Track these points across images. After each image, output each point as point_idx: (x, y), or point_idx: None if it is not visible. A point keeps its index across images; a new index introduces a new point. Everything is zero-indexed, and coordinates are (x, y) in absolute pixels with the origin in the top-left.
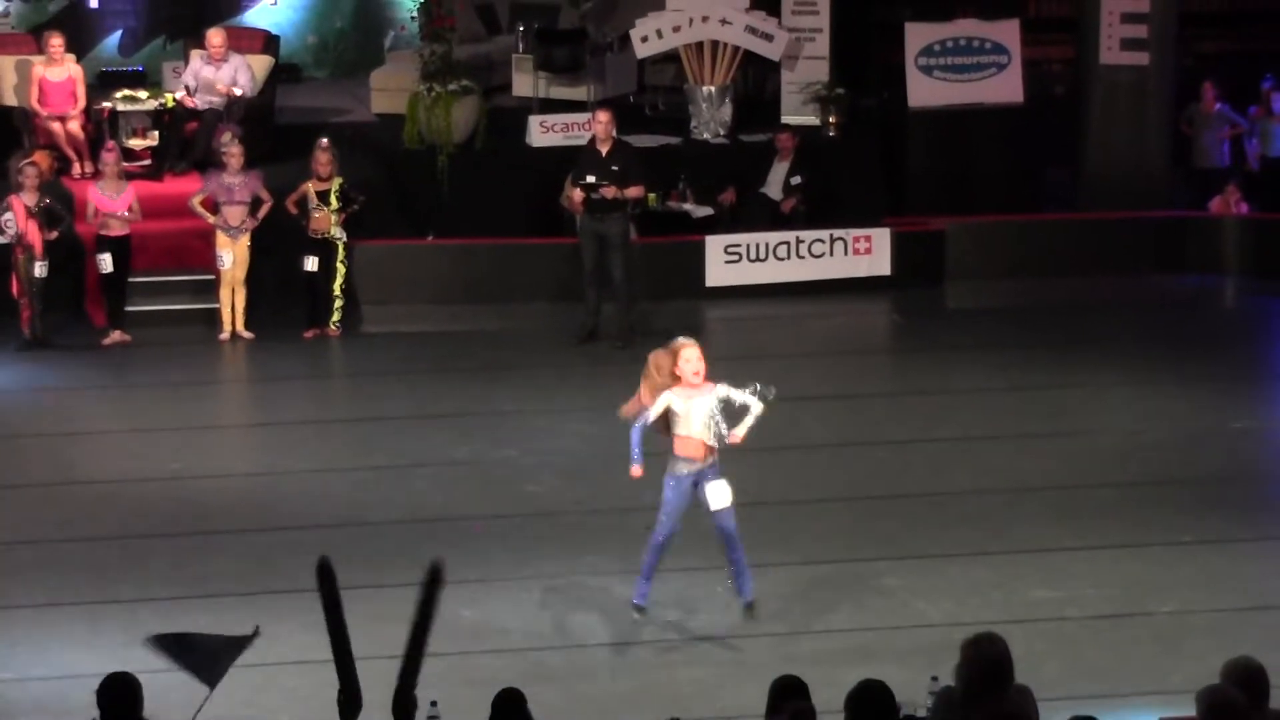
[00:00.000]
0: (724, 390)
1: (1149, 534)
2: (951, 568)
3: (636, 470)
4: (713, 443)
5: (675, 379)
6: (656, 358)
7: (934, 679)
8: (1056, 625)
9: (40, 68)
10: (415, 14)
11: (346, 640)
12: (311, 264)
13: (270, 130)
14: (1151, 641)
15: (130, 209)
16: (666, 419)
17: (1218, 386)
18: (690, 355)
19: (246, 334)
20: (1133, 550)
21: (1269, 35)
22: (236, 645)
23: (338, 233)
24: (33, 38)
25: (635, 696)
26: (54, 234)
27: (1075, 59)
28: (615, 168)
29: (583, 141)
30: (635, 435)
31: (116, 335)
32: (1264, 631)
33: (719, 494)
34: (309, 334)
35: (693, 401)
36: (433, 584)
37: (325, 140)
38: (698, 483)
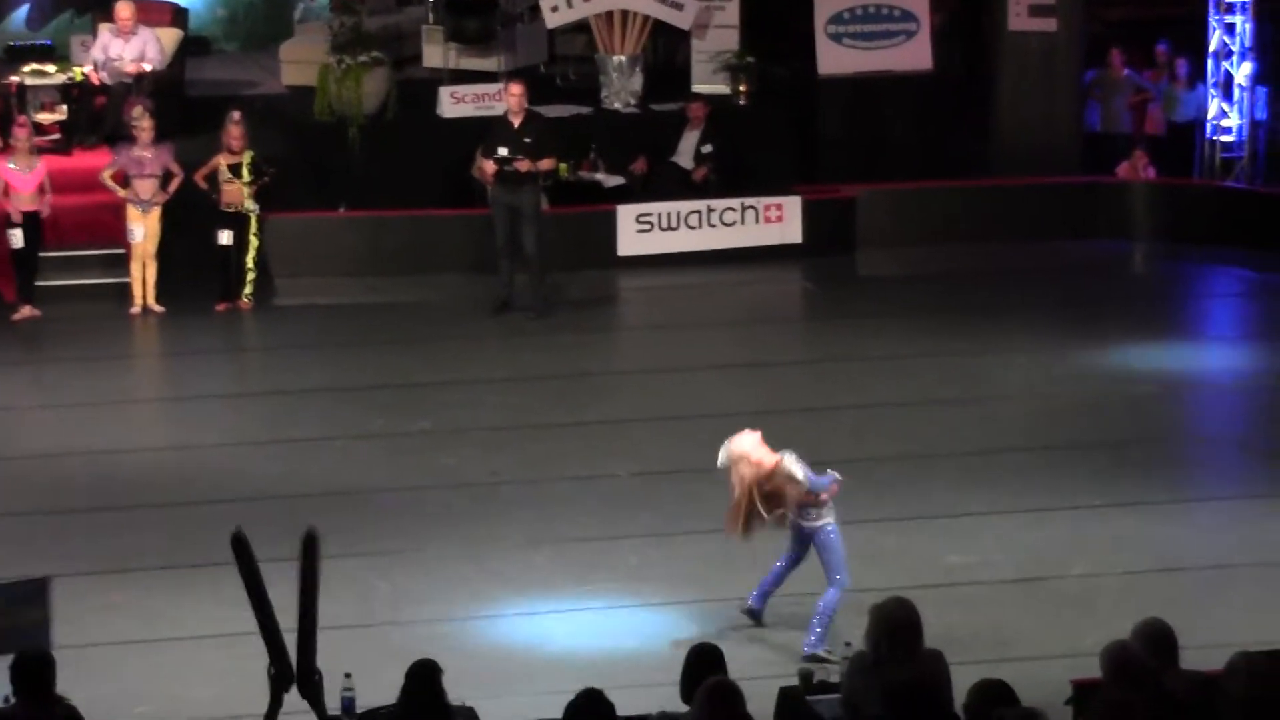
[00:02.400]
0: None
1: (1060, 498)
2: (865, 533)
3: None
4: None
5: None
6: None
7: (847, 644)
8: (969, 589)
9: None
10: None
11: (271, 613)
12: (225, 237)
13: (180, 103)
14: (1063, 604)
15: (42, 186)
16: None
17: (1127, 350)
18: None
19: (158, 308)
20: (1044, 514)
21: (1173, 1)
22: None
23: (250, 205)
24: None
25: (550, 665)
26: None
27: (985, 25)
28: (528, 140)
29: (494, 112)
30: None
31: (27, 310)
32: (1174, 593)
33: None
34: (221, 307)
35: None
36: (309, 554)
37: (237, 113)
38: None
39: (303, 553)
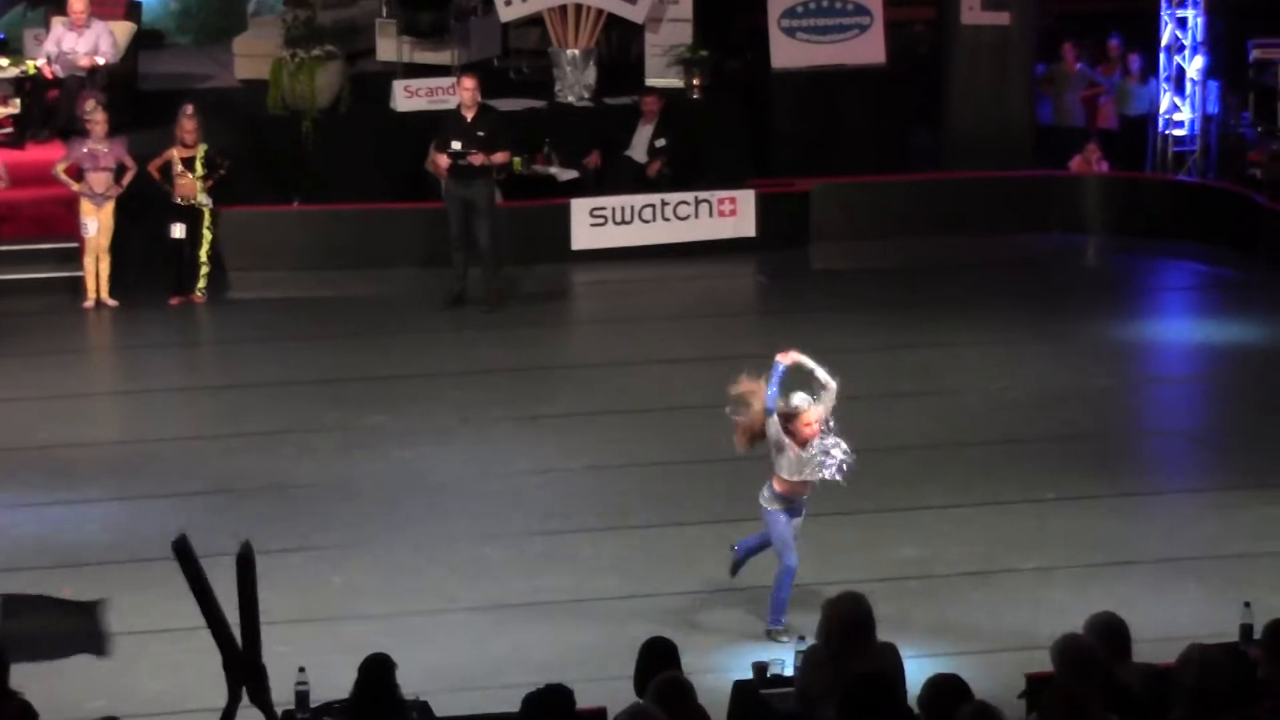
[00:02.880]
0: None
1: (1013, 491)
2: (819, 527)
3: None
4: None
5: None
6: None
7: (801, 638)
8: (923, 583)
9: None
10: None
11: (221, 614)
12: (179, 230)
13: (134, 97)
14: (1016, 598)
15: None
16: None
17: (1080, 345)
18: (812, 417)
19: (111, 301)
20: (997, 507)
21: None
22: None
23: (203, 199)
24: None
25: (504, 659)
26: None
27: (938, 19)
28: (481, 133)
29: (447, 106)
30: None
31: None
32: (1126, 587)
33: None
34: (174, 301)
35: (805, 451)
36: (244, 567)
37: (190, 106)
38: (791, 514)
39: (239, 572)
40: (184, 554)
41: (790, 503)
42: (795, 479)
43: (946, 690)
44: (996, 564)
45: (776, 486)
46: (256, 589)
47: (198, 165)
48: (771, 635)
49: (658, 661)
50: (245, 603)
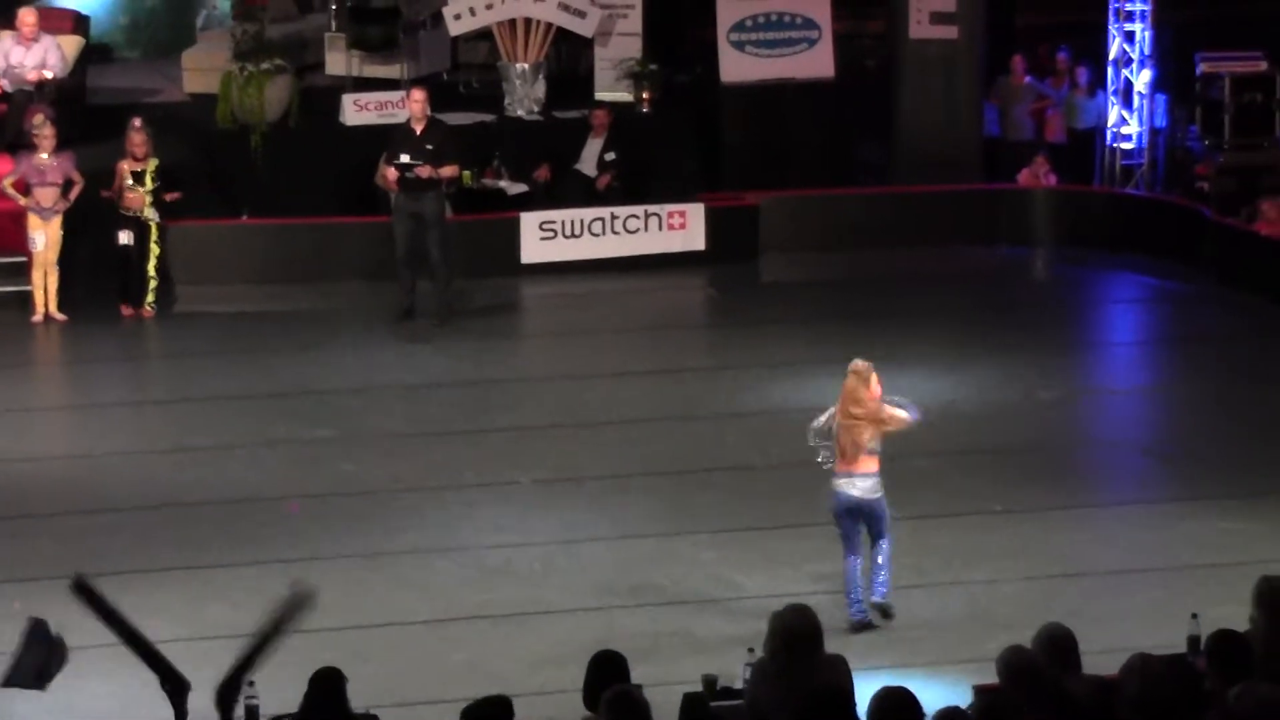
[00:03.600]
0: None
1: (961, 503)
2: (767, 540)
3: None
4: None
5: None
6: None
7: (750, 650)
8: None
9: None
10: None
11: (141, 639)
12: (126, 237)
13: (82, 111)
14: (965, 610)
15: None
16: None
17: (1028, 357)
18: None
19: (60, 316)
20: (946, 520)
21: (1075, 7)
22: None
23: (150, 213)
24: None
25: (454, 674)
26: None
27: (886, 33)
28: (430, 146)
29: (397, 120)
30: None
31: None
32: (1074, 598)
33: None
34: (125, 309)
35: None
36: (296, 606)
37: (138, 120)
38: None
39: (291, 602)
40: (84, 593)
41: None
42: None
43: (896, 704)
44: (945, 576)
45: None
46: (286, 629)
47: (147, 179)
48: (853, 627)
49: (607, 674)
50: (270, 632)
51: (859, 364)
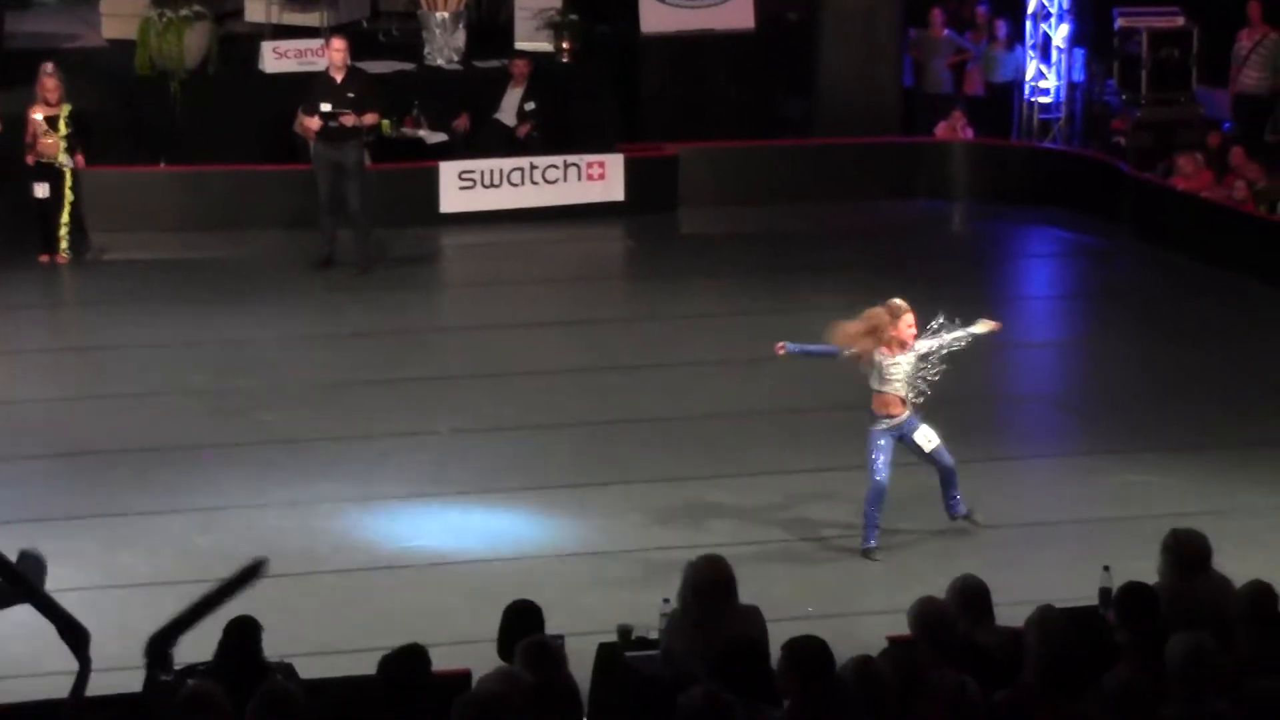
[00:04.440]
0: (923, 346)
1: None
2: (685, 490)
3: (781, 348)
4: (913, 397)
5: (888, 340)
6: (878, 317)
7: (665, 601)
8: (788, 546)
9: None
10: None
11: (35, 588)
12: (42, 190)
13: None
14: (880, 562)
15: None
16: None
17: (945, 310)
18: (910, 320)
19: None
20: (862, 472)
21: None
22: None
23: (64, 159)
24: None
25: (370, 623)
26: None
27: None
28: (351, 95)
29: (316, 68)
30: (814, 348)
31: None
32: (990, 550)
33: (927, 436)
34: (44, 258)
35: (898, 361)
36: (248, 575)
37: (50, 65)
38: (902, 436)
39: (245, 571)
40: None
41: (879, 420)
42: (886, 391)
43: (807, 653)
44: (861, 527)
45: (871, 404)
46: (234, 594)
47: (61, 124)
48: (866, 554)
49: (522, 624)
50: (218, 595)
51: (895, 302)
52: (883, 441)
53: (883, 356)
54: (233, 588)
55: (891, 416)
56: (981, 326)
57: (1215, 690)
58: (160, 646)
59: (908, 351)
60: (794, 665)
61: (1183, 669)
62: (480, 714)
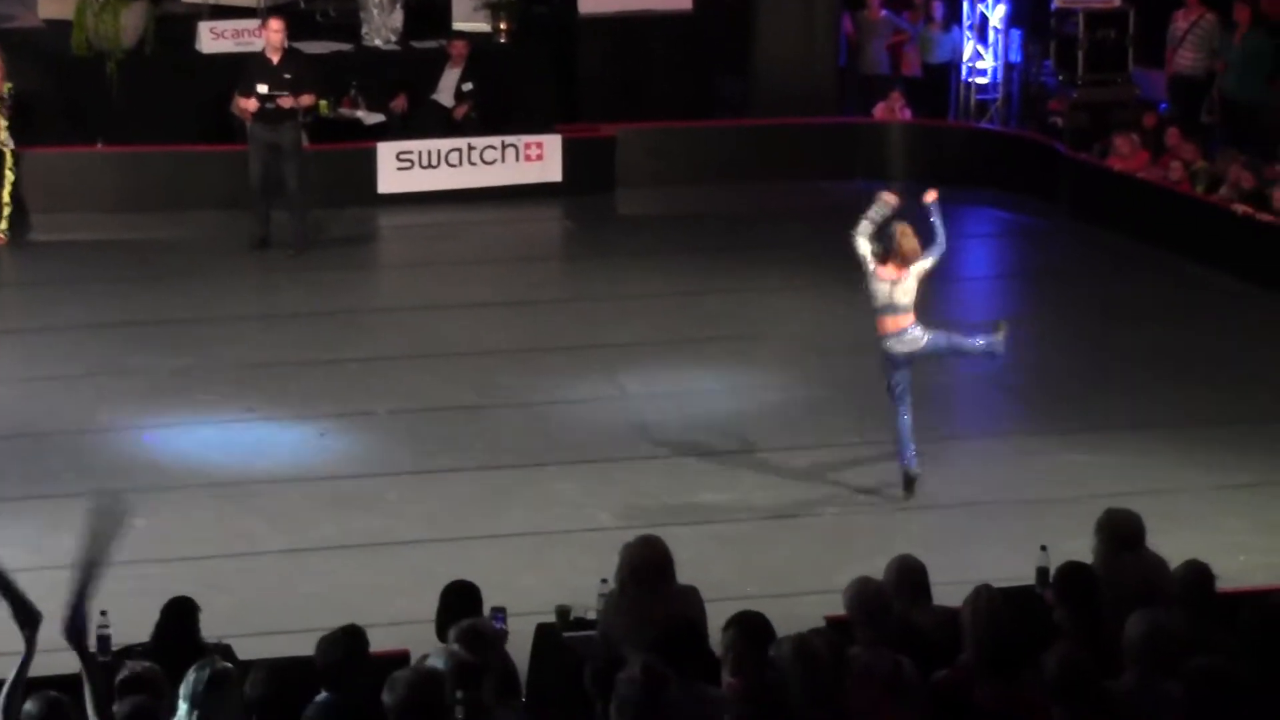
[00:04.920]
0: (919, 267)
1: (817, 436)
2: (622, 471)
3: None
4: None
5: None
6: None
7: (603, 581)
8: (726, 527)
9: None
10: None
11: None
12: None
13: None
14: (819, 542)
15: None
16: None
17: None
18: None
19: None
20: (799, 452)
21: None
22: None
23: (4, 137)
24: None
25: (305, 603)
26: None
27: None
28: (288, 76)
29: (253, 48)
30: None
31: None
32: (926, 530)
33: (916, 336)
34: None
35: (899, 282)
36: (107, 520)
37: None
38: (911, 356)
39: (103, 515)
40: None
41: (885, 344)
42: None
43: (746, 629)
44: (799, 509)
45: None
46: (109, 544)
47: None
48: (906, 474)
49: (460, 604)
50: (93, 551)
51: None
52: (900, 376)
53: (885, 277)
54: (104, 539)
55: (898, 335)
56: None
57: (1166, 670)
58: (76, 626)
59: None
60: (734, 641)
61: (1141, 647)
62: (412, 692)
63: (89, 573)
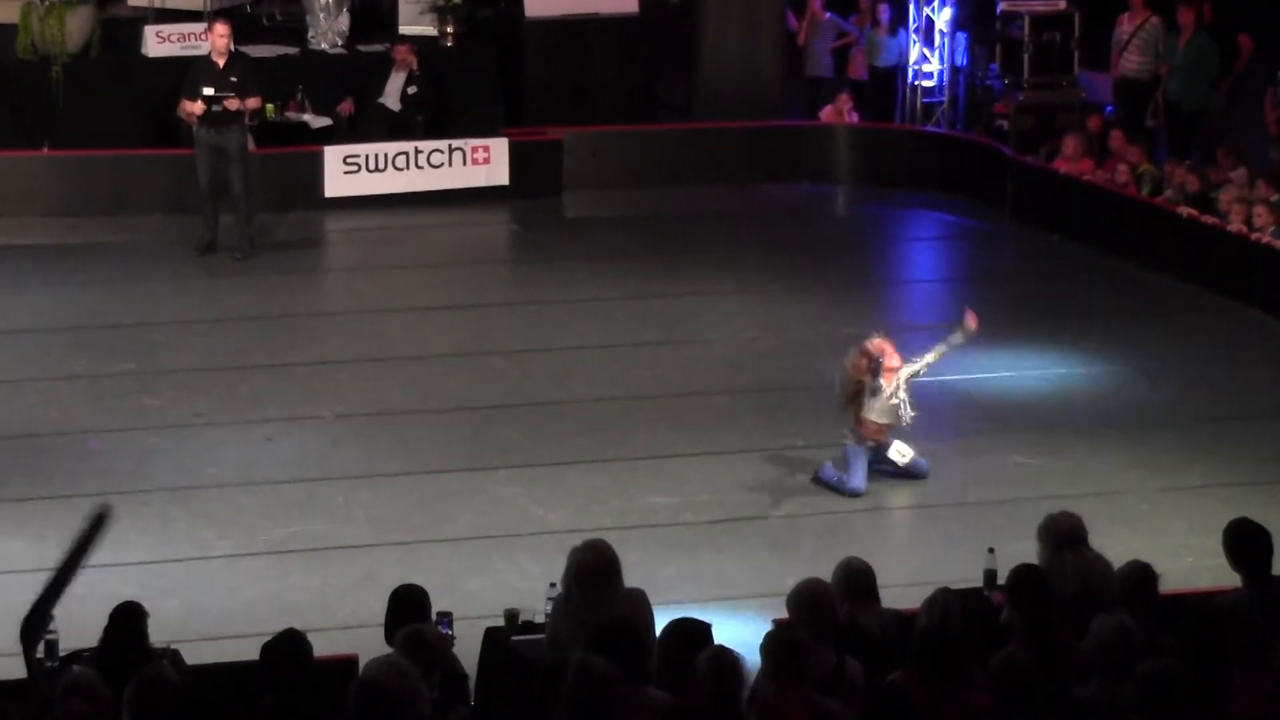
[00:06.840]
0: (906, 372)
1: (763, 439)
2: (570, 475)
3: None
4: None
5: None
6: (859, 369)
7: (552, 585)
8: (673, 530)
9: None
10: None
11: None
12: None
13: None
14: (766, 545)
15: None
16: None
17: (829, 294)
18: (890, 351)
19: None
20: (747, 455)
21: None
22: None
23: None
24: None
25: (254, 608)
26: None
27: None
28: (234, 79)
29: (199, 52)
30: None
31: None
32: (873, 533)
33: (900, 451)
34: None
35: (894, 387)
36: (95, 527)
37: None
38: (877, 452)
39: (91, 523)
40: None
41: (865, 441)
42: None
43: (683, 634)
44: (746, 511)
45: (862, 430)
46: (89, 550)
47: None
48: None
49: (408, 609)
50: (73, 557)
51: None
52: (862, 457)
53: (880, 385)
54: (86, 544)
55: (877, 441)
56: (959, 336)
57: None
58: (34, 627)
59: (896, 377)
60: (670, 644)
61: (1107, 650)
62: (372, 699)
63: (65, 577)
